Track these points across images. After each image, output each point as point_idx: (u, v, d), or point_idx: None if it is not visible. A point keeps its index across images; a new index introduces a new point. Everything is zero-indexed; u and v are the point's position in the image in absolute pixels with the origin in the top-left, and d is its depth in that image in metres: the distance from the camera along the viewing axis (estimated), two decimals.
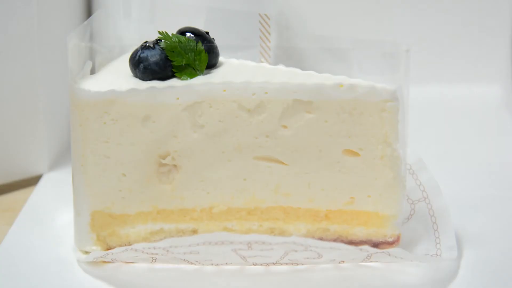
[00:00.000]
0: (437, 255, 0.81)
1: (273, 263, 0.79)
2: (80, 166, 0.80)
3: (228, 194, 0.81)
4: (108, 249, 0.82)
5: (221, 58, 0.85)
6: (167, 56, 0.79)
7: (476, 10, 1.30)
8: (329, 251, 0.76)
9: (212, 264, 0.79)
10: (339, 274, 0.79)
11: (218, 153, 0.80)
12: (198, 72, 0.80)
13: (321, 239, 0.83)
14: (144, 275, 0.79)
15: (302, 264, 0.79)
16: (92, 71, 0.83)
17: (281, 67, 0.83)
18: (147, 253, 0.77)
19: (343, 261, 0.79)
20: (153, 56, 0.79)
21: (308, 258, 0.77)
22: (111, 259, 0.79)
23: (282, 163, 0.80)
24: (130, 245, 0.82)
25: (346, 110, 0.78)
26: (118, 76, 0.81)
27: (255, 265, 0.79)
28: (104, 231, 0.82)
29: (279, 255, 0.76)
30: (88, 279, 0.78)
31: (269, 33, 0.95)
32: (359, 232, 0.83)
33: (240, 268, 0.80)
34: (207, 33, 0.83)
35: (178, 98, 0.78)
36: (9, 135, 1.00)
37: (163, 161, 0.80)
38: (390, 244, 0.82)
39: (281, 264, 0.79)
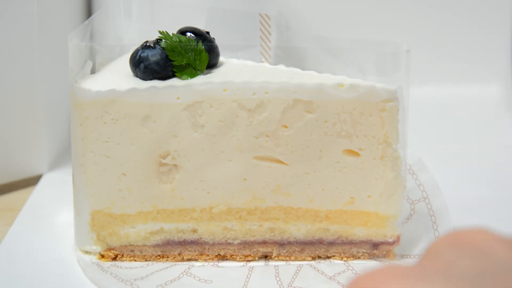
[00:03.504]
0: None
1: None
2: (80, 166, 0.80)
3: (228, 194, 0.81)
4: (108, 249, 0.83)
5: (221, 58, 0.85)
6: (168, 55, 0.79)
7: (476, 10, 1.31)
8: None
9: None
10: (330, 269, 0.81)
11: (218, 153, 0.80)
12: (198, 72, 0.80)
13: (321, 239, 0.83)
14: (144, 275, 0.79)
15: None
16: (93, 71, 0.83)
17: (281, 67, 0.83)
18: None
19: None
20: (153, 55, 0.78)
21: None
22: None
23: (282, 163, 0.80)
24: (131, 245, 0.83)
25: (346, 110, 0.78)
26: (118, 75, 0.81)
27: None
28: (104, 231, 0.82)
29: None
30: (88, 279, 0.78)
31: (270, 33, 0.95)
32: (359, 232, 0.83)
33: None
34: (208, 33, 0.83)
35: (178, 98, 0.78)
36: (9, 135, 1.00)
37: (163, 161, 0.80)
38: (390, 244, 0.82)
39: None
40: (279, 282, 0.78)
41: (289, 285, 0.78)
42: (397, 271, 0.45)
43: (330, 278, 0.79)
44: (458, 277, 0.44)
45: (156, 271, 0.80)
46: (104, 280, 0.77)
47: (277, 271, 0.81)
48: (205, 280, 0.78)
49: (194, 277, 0.79)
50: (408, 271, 0.45)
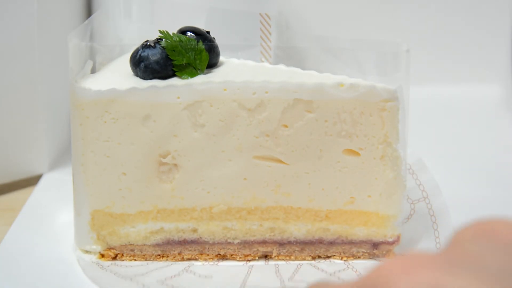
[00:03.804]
0: None
1: None
2: (80, 166, 0.80)
3: (228, 193, 0.81)
4: (108, 249, 0.83)
5: (221, 58, 0.85)
6: (168, 55, 0.79)
7: (476, 10, 1.31)
8: None
9: None
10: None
11: (218, 153, 0.80)
12: (198, 71, 0.80)
13: (321, 238, 0.83)
14: (144, 272, 0.79)
15: None
16: (93, 71, 0.83)
17: (281, 66, 0.83)
18: None
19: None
20: (154, 55, 0.78)
21: None
22: None
23: (282, 162, 0.80)
24: (131, 244, 0.83)
25: (347, 109, 0.78)
26: (118, 75, 0.81)
27: None
28: (104, 231, 0.82)
29: None
30: (88, 279, 0.78)
31: (270, 33, 0.95)
32: (359, 232, 0.83)
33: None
34: (208, 32, 0.83)
35: (178, 97, 0.78)
36: (9, 135, 1.00)
37: (164, 160, 0.80)
38: (390, 244, 0.82)
39: None
40: (280, 278, 0.78)
41: (290, 278, 0.78)
42: (424, 261, 0.44)
43: (331, 275, 0.79)
44: (486, 272, 0.43)
45: (156, 269, 0.80)
46: (104, 280, 0.77)
47: (277, 269, 0.81)
48: (205, 276, 0.78)
49: (194, 274, 0.79)
50: (435, 262, 0.44)
